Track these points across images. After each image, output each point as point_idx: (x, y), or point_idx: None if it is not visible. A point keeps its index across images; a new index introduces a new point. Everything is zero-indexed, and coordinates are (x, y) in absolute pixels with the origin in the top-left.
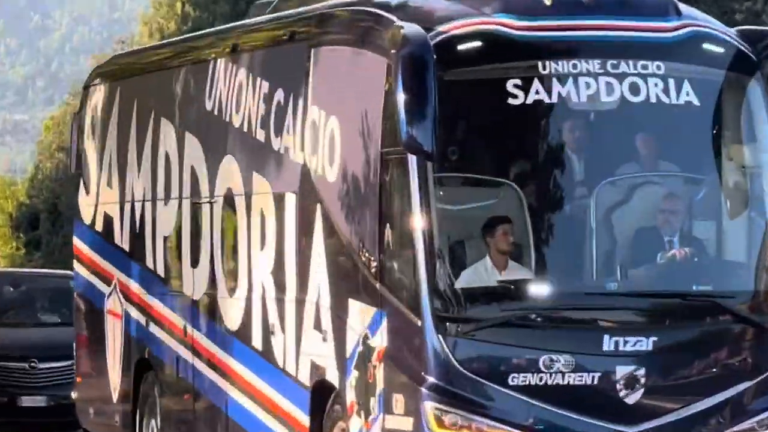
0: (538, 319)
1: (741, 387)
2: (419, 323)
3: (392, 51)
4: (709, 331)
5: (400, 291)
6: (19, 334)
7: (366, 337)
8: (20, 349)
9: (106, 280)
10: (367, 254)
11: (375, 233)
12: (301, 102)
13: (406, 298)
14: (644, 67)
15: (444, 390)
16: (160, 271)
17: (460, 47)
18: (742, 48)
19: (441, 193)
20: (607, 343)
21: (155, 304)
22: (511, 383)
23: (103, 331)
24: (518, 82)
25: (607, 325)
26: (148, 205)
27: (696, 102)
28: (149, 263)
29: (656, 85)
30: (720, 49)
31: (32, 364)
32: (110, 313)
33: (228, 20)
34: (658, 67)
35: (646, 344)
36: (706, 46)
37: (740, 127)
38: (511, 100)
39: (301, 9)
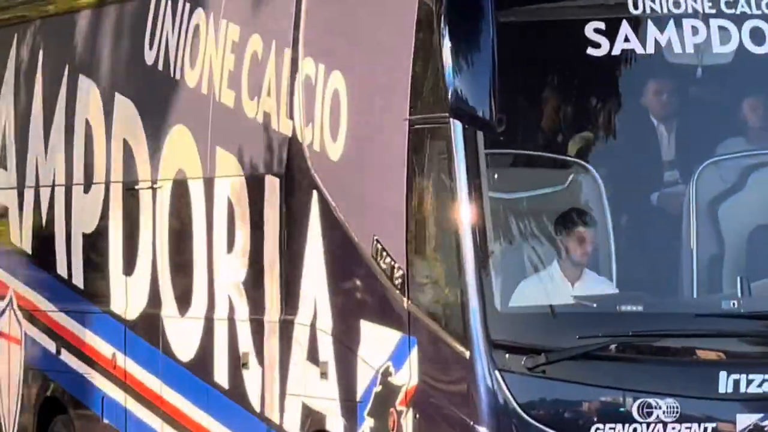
0: (631, 350)
1: None
2: (467, 354)
3: None
4: None
5: (437, 310)
6: None
7: (387, 373)
8: None
9: None
10: (388, 260)
11: (401, 231)
12: (288, 52)
13: (448, 320)
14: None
15: None
16: (77, 281)
17: None
18: None
19: (495, 176)
20: (725, 383)
21: (70, 324)
22: None
23: None
24: (601, 25)
25: (725, 359)
26: (60, 192)
27: None
28: (61, 270)
29: None
30: None
31: None
32: (3, 336)
33: None
34: None
35: None
36: None
37: None
38: (591, 51)
39: None
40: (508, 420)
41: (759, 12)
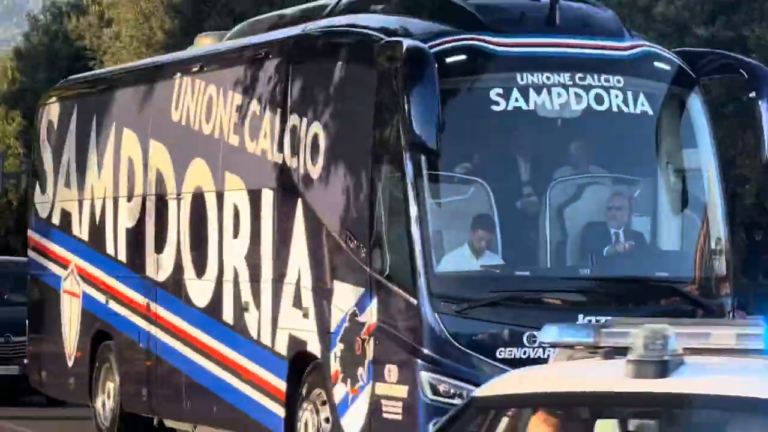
0: (523, 300)
1: None
2: (416, 302)
3: (395, 63)
4: (665, 312)
5: (393, 274)
6: None
7: (354, 314)
8: None
9: (63, 265)
10: (354, 242)
11: (364, 224)
12: (279, 111)
13: (400, 281)
14: (606, 80)
15: (439, 362)
16: (122, 258)
17: (449, 60)
18: (684, 66)
19: (431, 188)
20: (582, 321)
21: (116, 284)
22: (498, 356)
23: (58, 308)
24: (500, 91)
25: (581, 304)
26: (110, 202)
27: (650, 112)
28: (109, 251)
29: (617, 96)
30: (667, 67)
31: (7, 338)
32: (67, 292)
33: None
34: (618, 81)
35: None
36: (656, 63)
37: (684, 134)
38: (493, 107)
39: (268, 34)
40: (442, 344)
41: (599, 84)
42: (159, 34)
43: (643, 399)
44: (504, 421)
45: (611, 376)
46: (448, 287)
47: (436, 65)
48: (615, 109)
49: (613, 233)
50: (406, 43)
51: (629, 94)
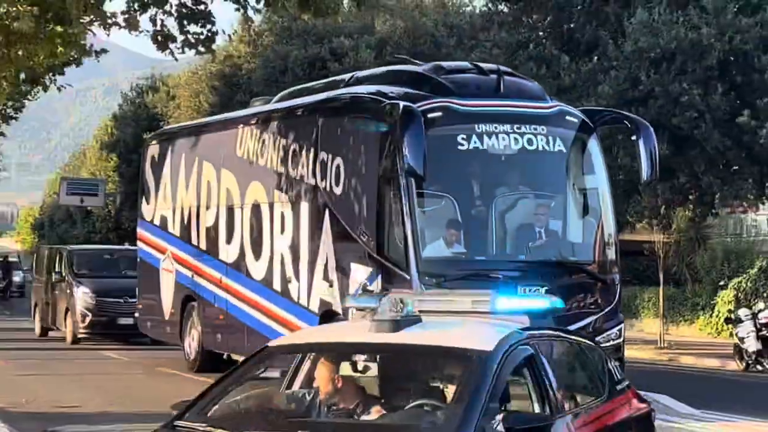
0: (480, 276)
1: (594, 317)
2: (409, 277)
3: (394, 117)
4: (575, 284)
5: (393, 258)
6: (117, 283)
7: (365, 286)
8: (118, 291)
9: (161, 251)
10: (366, 236)
11: (373, 224)
12: (312, 150)
13: (398, 263)
14: (534, 129)
15: None
16: (203, 246)
17: (430, 115)
18: (585, 119)
19: (419, 201)
20: (520, 290)
21: (199, 264)
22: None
23: (158, 280)
24: (464, 135)
25: (518, 279)
26: (194, 210)
27: (563, 150)
28: (194, 241)
29: (541, 139)
30: (575, 120)
31: (125, 299)
32: (164, 270)
33: (134, 137)
34: (543, 129)
35: (540, 292)
36: (567, 117)
37: (584, 165)
38: (459, 147)
39: (304, 99)
40: None
41: (530, 131)
42: (205, 105)
43: (373, 348)
44: (306, 364)
45: (361, 332)
46: (431, 267)
47: (423, 118)
48: (540, 148)
49: (537, 231)
50: (402, 104)
51: (550, 138)
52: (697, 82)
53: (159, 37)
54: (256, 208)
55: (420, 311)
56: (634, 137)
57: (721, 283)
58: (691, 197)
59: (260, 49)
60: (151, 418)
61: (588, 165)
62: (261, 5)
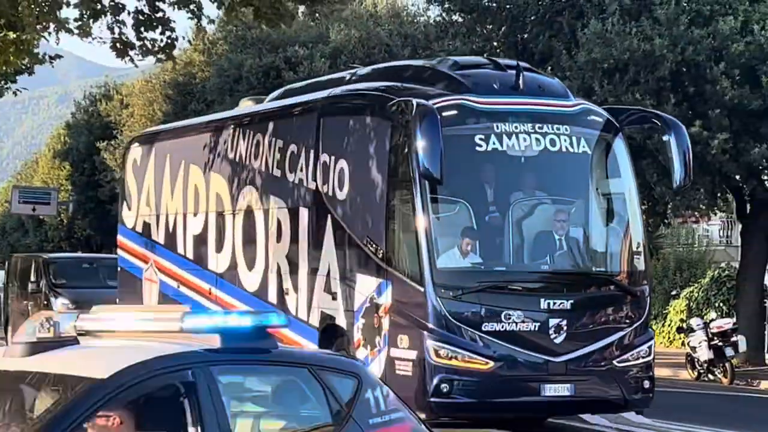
0: (500, 288)
1: (624, 331)
2: (422, 290)
3: (407, 116)
4: (603, 296)
5: (404, 269)
6: (97, 293)
7: (373, 298)
8: (99, 302)
9: (144, 260)
10: (374, 246)
11: (382, 232)
12: (312, 151)
13: (410, 273)
14: (557, 129)
15: (440, 333)
16: (189, 255)
17: (444, 113)
18: (610, 119)
19: (432, 206)
20: (543, 304)
21: (185, 275)
22: (483, 329)
23: (141, 291)
24: (482, 136)
25: (543, 291)
26: (180, 217)
27: (588, 151)
28: (180, 250)
29: (564, 140)
30: (599, 119)
31: None
32: (147, 280)
33: (87, 146)
34: (566, 129)
35: (566, 305)
36: (591, 116)
37: (610, 167)
38: (477, 148)
39: (302, 97)
40: (442, 321)
41: (552, 131)
42: (158, 114)
43: None
44: None
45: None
46: (446, 279)
47: (438, 117)
48: (564, 149)
49: (561, 239)
50: (416, 101)
51: (573, 138)
52: (649, 92)
53: (118, 45)
54: (249, 215)
55: (95, 331)
56: (665, 137)
57: (674, 292)
58: (643, 207)
59: (214, 57)
60: None
61: (614, 168)
62: (216, 14)
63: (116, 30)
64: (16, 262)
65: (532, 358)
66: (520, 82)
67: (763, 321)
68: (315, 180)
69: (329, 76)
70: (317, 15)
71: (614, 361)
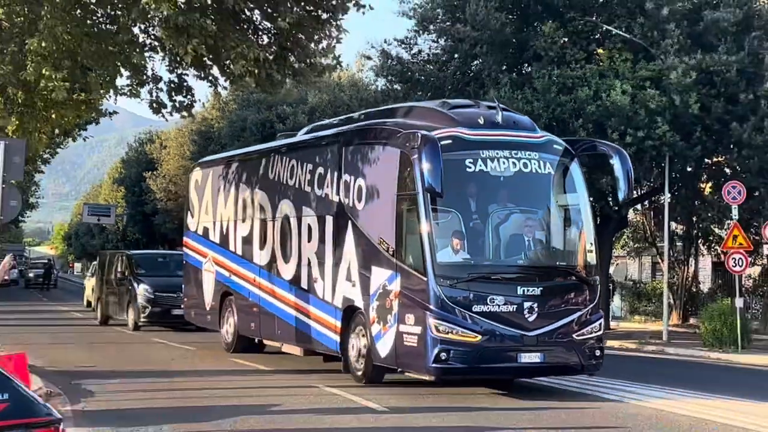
0: (488, 278)
1: (581, 311)
2: (425, 279)
3: (414, 144)
4: (565, 284)
5: (410, 263)
6: (170, 280)
7: (385, 285)
8: (172, 287)
9: (203, 256)
10: (386, 243)
11: (393, 233)
12: (336, 173)
13: (416, 266)
14: (528, 155)
15: (439, 313)
16: (238, 251)
17: (443, 143)
18: (568, 148)
19: (433, 214)
20: (519, 290)
21: (235, 267)
22: (473, 310)
23: (200, 279)
24: (471, 160)
25: (520, 280)
26: (232, 223)
27: (552, 172)
28: (231, 248)
29: (534, 163)
30: (560, 148)
31: (178, 294)
32: (206, 271)
33: (137, 175)
34: (535, 155)
35: (537, 291)
36: (554, 145)
37: (569, 185)
38: (467, 169)
39: (327, 131)
40: (441, 303)
41: (525, 156)
42: (187, 153)
43: None
44: None
45: None
46: (445, 271)
47: (439, 145)
48: (533, 171)
49: (533, 240)
50: (422, 132)
51: (541, 162)
52: None
53: (154, 104)
54: (286, 221)
55: None
56: (611, 161)
57: None
58: None
59: (226, 113)
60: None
61: (571, 185)
62: (227, 83)
63: (154, 94)
64: (104, 257)
65: (510, 332)
66: (500, 118)
67: (608, 299)
68: (338, 194)
69: (347, 116)
70: (300, 84)
71: (574, 335)
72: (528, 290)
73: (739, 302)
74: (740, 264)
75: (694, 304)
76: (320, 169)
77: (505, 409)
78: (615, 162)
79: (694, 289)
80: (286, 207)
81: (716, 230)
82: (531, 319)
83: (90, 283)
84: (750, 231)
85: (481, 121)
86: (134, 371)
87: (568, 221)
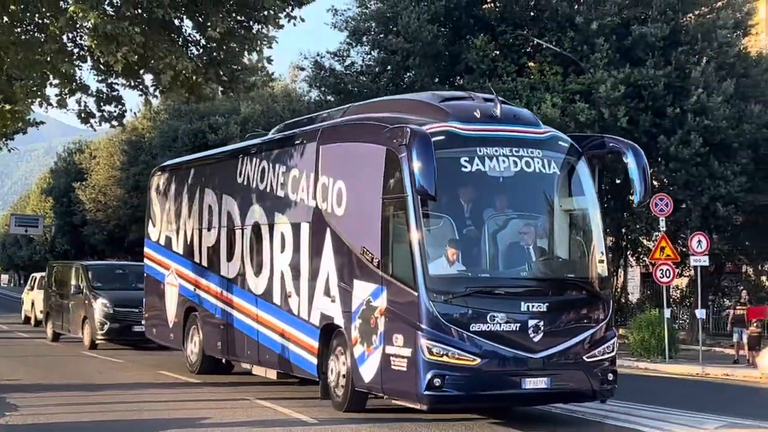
0: (487, 292)
1: (593, 330)
2: (416, 294)
3: (402, 140)
4: (574, 299)
5: (398, 275)
6: (130, 294)
7: (369, 301)
8: (133, 301)
9: (166, 267)
10: (370, 255)
11: (378, 242)
12: (312, 175)
13: (405, 279)
14: (531, 152)
15: (432, 333)
16: (204, 263)
17: (435, 139)
18: (575, 145)
19: (424, 220)
20: (523, 306)
21: (200, 280)
22: (471, 329)
23: (163, 293)
24: (467, 158)
25: (524, 295)
26: (197, 231)
27: (558, 172)
28: (196, 259)
29: (538, 162)
30: (565, 144)
31: (139, 308)
32: (169, 284)
33: (66, 185)
34: (539, 153)
35: (543, 306)
36: (559, 142)
37: (576, 186)
38: (462, 169)
39: (301, 129)
40: (435, 322)
41: (527, 154)
42: (117, 162)
43: None
44: None
45: None
46: (438, 284)
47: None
48: (537, 170)
49: (538, 249)
50: (411, 127)
51: (545, 161)
52: None
53: (82, 114)
54: (256, 229)
55: None
56: (625, 158)
57: None
58: None
59: (158, 123)
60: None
61: (579, 187)
62: (158, 93)
63: (82, 103)
64: (53, 269)
65: (513, 354)
66: (498, 111)
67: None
68: (315, 198)
69: (324, 112)
70: (231, 94)
71: (584, 357)
72: (533, 306)
73: (666, 313)
74: (668, 275)
75: (623, 314)
76: (294, 171)
77: None
78: (629, 159)
79: (623, 300)
80: (256, 213)
81: (644, 242)
82: (537, 339)
83: (30, 296)
84: (677, 243)
85: (477, 114)
86: (61, 384)
87: (576, 227)
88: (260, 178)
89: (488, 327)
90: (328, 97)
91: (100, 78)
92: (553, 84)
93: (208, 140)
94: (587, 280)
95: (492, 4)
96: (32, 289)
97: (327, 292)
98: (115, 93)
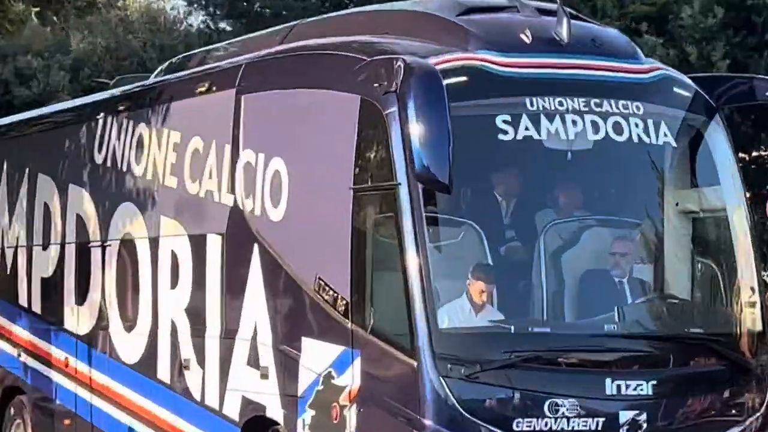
0: (541, 360)
1: (738, 429)
2: (415, 364)
3: (391, 85)
4: (701, 374)
5: (382, 330)
6: None
7: (330, 376)
8: None
9: None
10: (331, 292)
11: (344, 270)
12: (228, 148)
13: (394, 337)
14: (625, 107)
15: None
16: (36, 309)
17: (450, 80)
18: (701, 93)
19: (430, 229)
20: (610, 387)
21: (30, 337)
22: (515, 428)
23: None
24: (507, 117)
25: (609, 367)
26: (22, 250)
27: (673, 143)
28: (22, 302)
29: (637, 125)
30: (688, 93)
31: None
32: None
33: None
34: (638, 108)
35: (646, 388)
36: (676, 89)
37: (701, 171)
38: (501, 136)
39: (210, 66)
40: (449, 414)
41: (618, 111)
42: None
43: None
44: None
45: None
46: (454, 346)
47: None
48: (635, 140)
49: (637, 283)
50: (408, 59)
51: (650, 122)
52: None
53: None
54: (127, 247)
55: None
56: None
57: None
58: None
59: None
60: None
61: (712, 170)
62: None
63: None
64: None
65: None
66: (565, 33)
67: None
68: (233, 192)
69: (252, 35)
70: (55, 20)
71: None
72: (628, 386)
73: None
74: None
75: None
76: (195, 143)
77: None
78: None
79: None
80: (127, 219)
81: None
82: None
83: None
84: None
85: (527, 39)
86: None
87: (707, 244)
88: (135, 157)
89: (548, 424)
90: (221, 24)
91: None
92: (604, 5)
93: (13, 95)
94: (729, 338)
95: None
96: None
97: (253, 361)
98: None
